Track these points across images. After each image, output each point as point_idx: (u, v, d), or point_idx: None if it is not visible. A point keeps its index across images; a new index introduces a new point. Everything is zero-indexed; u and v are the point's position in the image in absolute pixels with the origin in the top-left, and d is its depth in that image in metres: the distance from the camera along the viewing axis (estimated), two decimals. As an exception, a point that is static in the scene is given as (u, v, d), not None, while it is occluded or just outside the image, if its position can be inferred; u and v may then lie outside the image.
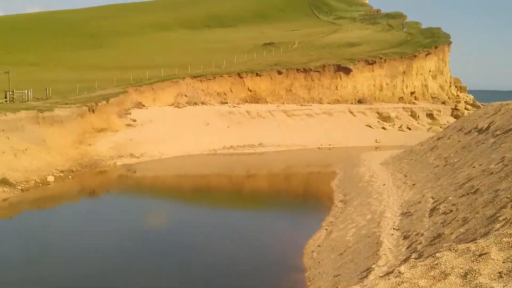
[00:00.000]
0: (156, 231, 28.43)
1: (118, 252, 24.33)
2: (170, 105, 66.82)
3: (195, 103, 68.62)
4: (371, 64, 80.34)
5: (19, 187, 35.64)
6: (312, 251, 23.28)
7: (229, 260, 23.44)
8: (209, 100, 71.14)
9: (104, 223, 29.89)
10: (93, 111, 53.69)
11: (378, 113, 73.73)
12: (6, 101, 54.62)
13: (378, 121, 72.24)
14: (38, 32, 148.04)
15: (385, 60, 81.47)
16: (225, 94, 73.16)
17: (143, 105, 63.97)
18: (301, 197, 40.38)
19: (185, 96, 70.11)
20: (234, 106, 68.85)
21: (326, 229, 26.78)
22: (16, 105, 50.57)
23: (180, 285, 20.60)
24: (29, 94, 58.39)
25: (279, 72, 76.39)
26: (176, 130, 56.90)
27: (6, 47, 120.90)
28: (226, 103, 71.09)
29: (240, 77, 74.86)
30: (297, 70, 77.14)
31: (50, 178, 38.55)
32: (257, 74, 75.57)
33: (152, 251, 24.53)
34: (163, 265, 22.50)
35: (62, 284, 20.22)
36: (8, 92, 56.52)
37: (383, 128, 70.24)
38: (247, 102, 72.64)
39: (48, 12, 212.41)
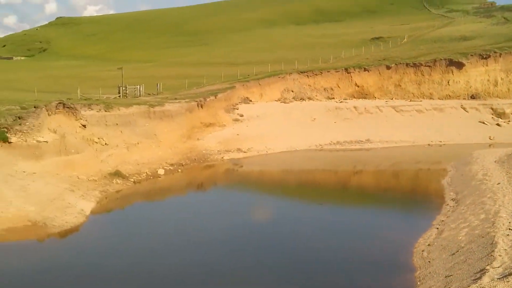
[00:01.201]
0: (262, 225, 28.35)
1: (225, 244, 24.45)
2: (276, 101, 66.78)
3: (302, 99, 68.21)
4: (485, 58, 76.48)
5: (132, 179, 36.73)
6: (422, 250, 22.58)
7: (337, 257, 23.04)
8: (316, 96, 70.50)
9: (212, 216, 30.19)
10: (201, 106, 54.51)
11: (492, 109, 70.16)
12: (119, 96, 56.60)
13: (492, 117, 68.77)
14: (148, 30, 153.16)
15: (500, 54, 77.30)
16: (332, 89, 72.22)
17: (250, 100, 64.30)
18: (410, 194, 39.07)
19: (292, 91, 69.84)
20: (341, 102, 67.81)
21: (437, 228, 25.84)
22: (128, 100, 52.24)
23: (289, 281, 20.35)
24: (141, 90, 60.21)
25: (388, 67, 74.41)
26: (283, 125, 56.74)
27: (119, 44, 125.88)
28: (333, 98, 70.16)
29: (348, 72, 73.61)
30: (407, 64, 74.79)
31: (161, 171, 39.48)
32: (365, 69, 74.02)
33: (257, 244, 24.48)
34: (270, 258, 22.38)
35: (175, 272, 20.55)
36: (121, 87, 58.56)
37: (498, 124, 66.76)
38: (354, 97, 71.33)
39: (157, 10, 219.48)
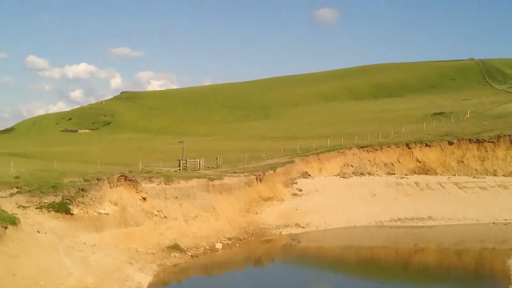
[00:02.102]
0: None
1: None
2: (336, 175, 66.36)
3: (362, 174, 67.59)
4: (552, 133, 74.56)
5: (189, 253, 36.67)
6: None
7: None
8: (376, 171, 69.80)
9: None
10: (260, 180, 54.60)
11: (560, 186, 67.64)
12: (179, 169, 57.45)
13: (561, 195, 66.23)
14: (209, 104, 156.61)
15: None
16: (392, 164, 71.42)
17: (309, 175, 64.10)
18: (474, 274, 37.52)
19: (351, 166, 69.43)
20: (402, 177, 66.74)
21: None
22: (188, 173, 52.90)
23: None
24: (200, 163, 61.01)
25: (450, 143, 73.22)
26: (342, 201, 56.07)
27: (181, 118, 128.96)
28: (394, 173, 69.25)
29: (409, 148, 72.84)
30: (470, 140, 73.48)
31: (218, 245, 39.32)
32: (426, 145, 73.08)
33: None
34: None
35: None
36: (181, 160, 59.52)
37: None
38: (415, 173, 70.19)
39: (218, 85, 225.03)
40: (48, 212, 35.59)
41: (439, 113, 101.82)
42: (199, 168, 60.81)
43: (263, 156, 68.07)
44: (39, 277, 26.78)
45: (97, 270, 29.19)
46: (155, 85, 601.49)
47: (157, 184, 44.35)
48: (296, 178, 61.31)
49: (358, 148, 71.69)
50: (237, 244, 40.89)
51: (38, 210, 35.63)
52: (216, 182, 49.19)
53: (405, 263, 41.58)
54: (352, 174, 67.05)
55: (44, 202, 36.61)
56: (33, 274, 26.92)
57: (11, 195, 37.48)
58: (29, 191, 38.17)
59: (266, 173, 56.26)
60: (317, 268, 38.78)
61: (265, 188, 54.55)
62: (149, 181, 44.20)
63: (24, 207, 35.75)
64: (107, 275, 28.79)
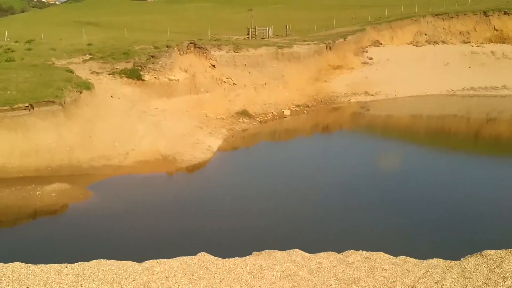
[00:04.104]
0: (390, 171, 27.54)
1: (349, 188, 24.04)
2: (408, 44, 64.30)
3: (435, 42, 65.20)
4: None
5: (258, 119, 37.12)
6: None
7: (462, 210, 21.77)
8: (450, 39, 67.05)
9: (336, 159, 29.79)
10: (330, 49, 53.65)
11: None
12: (248, 37, 56.94)
13: None
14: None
15: None
16: (468, 33, 68.28)
17: (381, 43, 62.38)
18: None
19: (425, 34, 66.89)
20: (477, 46, 64.06)
21: None
22: (257, 42, 52.46)
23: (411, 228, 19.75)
24: (269, 31, 60.19)
25: (531, 9, 69.18)
26: (413, 69, 54.71)
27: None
28: (469, 42, 66.43)
29: (486, 15, 69.12)
30: (553, 7, 69.17)
31: (287, 112, 39.55)
32: (505, 13, 69.19)
33: (380, 188, 23.86)
34: (387, 203, 21.81)
35: (293, 211, 20.56)
36: (250, 29, 58.83)
37: None
38: (491, 42, 67.12)
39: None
40: (121, 78, 36.40)
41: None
42: (268, 36, 60.07)
43: (334, 25, 66.35)
44: (113, 140, 27.85)
45: (168, 134, 30.02)
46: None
47: (226, 52, 44.31)
48: (367, 47, 59.87)
49: (433, 16, 68.62)
50: (305, 111, 41.02)
51: (111, 76, 36.47)
52: (285, 50, 48.68)
53: (477, 132, 40.76)
54: (425, 43, 64.78)
55: (116, 69, 37.38)
56: (108, 137, 28.00)
57: (85, 61, 38.40)
58: (102, 57, 38.95)
59: (336, 42, 55.12)
60: (386, 136, 38.53)
61: (335, 56, 53.67)
62: (218, 48, 44.16)
63: (97, 73, 36.66)
64: (179, 139, 29.59)
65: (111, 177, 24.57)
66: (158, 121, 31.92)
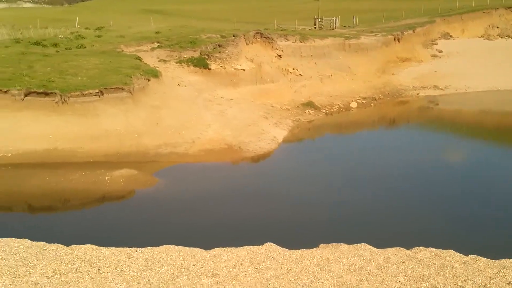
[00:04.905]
0: (454, 166, 26.72)
1: (415, 180, 23.47)
2: (479, 37, 62.45)
3: (508, 36, 63.07)
4: None
5: (324, 111, 36.75)
6: None
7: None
8: (524, 33, 64.82)
9: (402, 153, 29.11)
10: (398, 40, 52.64)
11: None
12: (315, 27, 56.49)
13: None
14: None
15: None
16: (543, 26, 65.89)
17: (451, 36, 60.78)
18: None
19: (497, 27, 64.79)
20: (554, 40, 61.76)
21: None
22: (324, 32, 51.97)
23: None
24: (336, 22, 59.54)
25: None
26: (485, 63, 52.98)
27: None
28: (544, 36, 64.08)
29: None
30: None
31: (353, 104, 39.02)
32: None
33: (449, 185, 23.15)
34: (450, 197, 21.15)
35: (358, 202, 20.21)
36: (317, 19, 58.35)
37: None
38: None
39: None
40: (187, 66, 36.72)
41: None
42: (335, 27, 59.41)
43: (402, 16, 65.06)
44: (180, 128, 28.07)
45: (233, 123, 30.04)
46: None
47: (292, 42, 44.08)
48: (436, 39, 58.46)
49: (505, 9, 66.44)
50: (372, 104, 40.36)
51: (178, 64, 36.83)
52: (352, 41, 48.04)
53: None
54: (497, 36, 62.78)
55: (184, 57, 37.71)
56: (175, 124, 28.24)
57: (152, 49, 38.91)
58: (169, 46, 39.39)
59: (405, 33, 54.03)
60: (455, 131, 37.43)
61: (403, 48, 52.61)
62: (285, 39, 43.98)
63: (164, 61, 37.09)
64: (244, 128, 29.56)
65: (177, 164, 24.75)
66: (224, 110, 31.99)
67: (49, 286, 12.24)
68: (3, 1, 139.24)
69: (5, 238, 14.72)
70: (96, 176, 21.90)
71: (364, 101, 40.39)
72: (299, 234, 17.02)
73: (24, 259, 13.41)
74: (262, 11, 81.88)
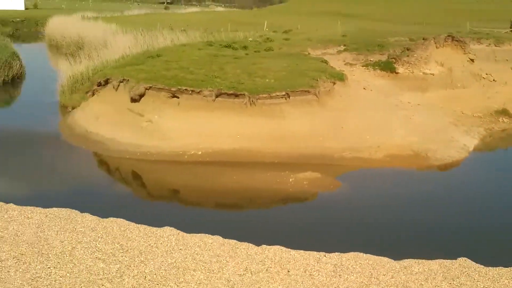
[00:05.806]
0: None
1: None
2: None
3: None
4: None
5: (519, 119, 34.21)
6: None
7: None
8: None
9: None
10: None
11: None
12: (511, 30, 53.04)
13: None
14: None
15: None
16: None
17: None
18: None
19: None
20: None
21: None
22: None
23: None
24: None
25: None
26: None
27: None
28: None
29: None
30: None
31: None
32: None
33: None
34: None
35: None
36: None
37: None
38: None
39: None
40: (374, 70, 36.13)
41: None
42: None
43: None
44: (365, 132, 27.59)
45: (420, 129, 28.98)
46: None
47: (486, 46, 41.77)
48: None
49: None
50: None
51: (364, 68, 36.38)
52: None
53: None
54: None
55: (370, 60, 37.18)
56: (359, 128, 27.82)
57: (339, 52, 38.83)
58: (356, 49, 39.05)
59: None
60: None
61: None
62: (477, 42, 41.81)
63: (351, 64, 36.81)
64: (431, 135, 28.40)
65: (360, 169, 24.33)
66: (410, 115, 30.95)
67: (241, 284, 12.46)
68: (196, 5, 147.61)
69: (199, 234, 15.28)
70: (281, 177, 22.16)
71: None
72: (496, 251, 15.81)
73: (217, 256, 13.81)
74: (452, 12, 78.58)
